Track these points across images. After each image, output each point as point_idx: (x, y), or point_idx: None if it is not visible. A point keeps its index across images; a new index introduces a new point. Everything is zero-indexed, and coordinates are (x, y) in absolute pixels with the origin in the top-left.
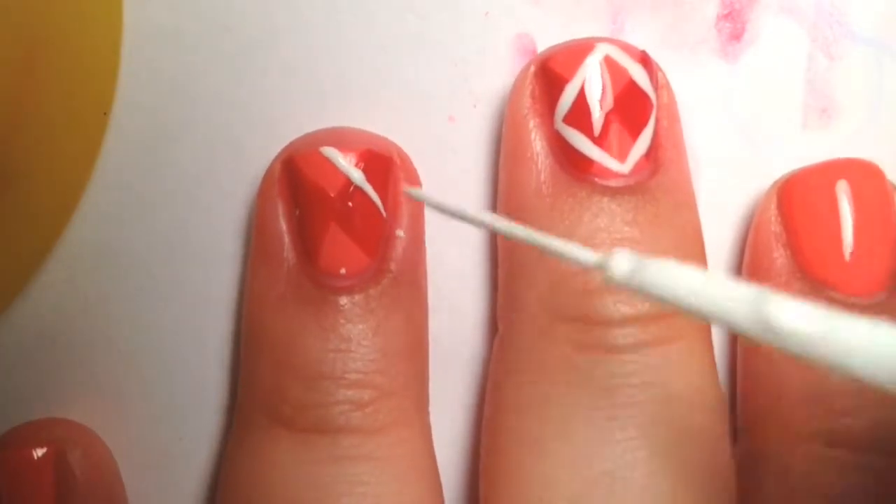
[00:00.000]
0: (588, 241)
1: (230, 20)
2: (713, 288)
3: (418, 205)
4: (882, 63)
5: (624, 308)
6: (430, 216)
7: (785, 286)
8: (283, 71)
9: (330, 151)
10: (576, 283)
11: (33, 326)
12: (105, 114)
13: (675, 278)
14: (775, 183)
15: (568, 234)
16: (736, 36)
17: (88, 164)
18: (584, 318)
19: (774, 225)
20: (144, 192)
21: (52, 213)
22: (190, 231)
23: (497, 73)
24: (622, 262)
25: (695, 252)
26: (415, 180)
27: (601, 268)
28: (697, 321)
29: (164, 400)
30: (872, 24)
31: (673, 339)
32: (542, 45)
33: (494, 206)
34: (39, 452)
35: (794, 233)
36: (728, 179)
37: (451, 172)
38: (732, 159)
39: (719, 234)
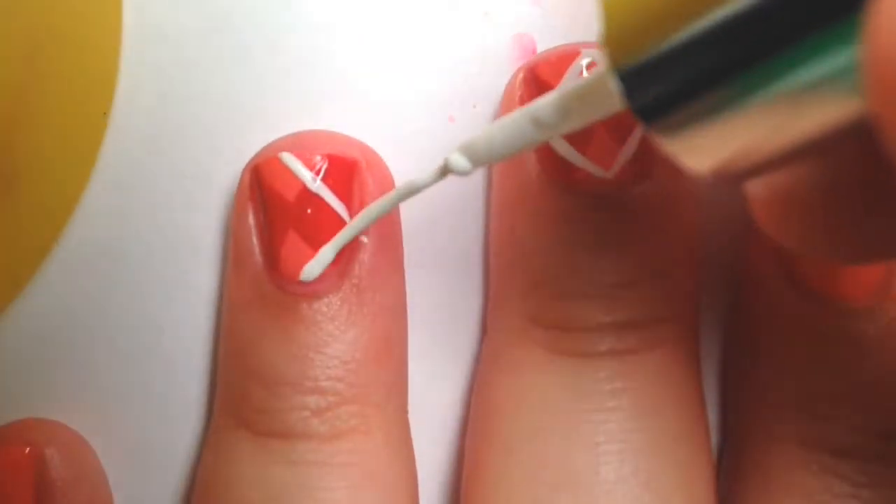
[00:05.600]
0: (567, 244)
1: (230, 20)
2: (507, 124)
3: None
4: None
5: (600, 315)
6: (423, 217)
7: (778, 294)
8: (283, 71)
9: (287, 157)
10: (554, 288)
11: (33, 326)
12: (105, 114)
13: (494, 138)
14: None
15: (548, 238)
16: None
17: (88, 164)
18: (561, 324)
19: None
20: (144, 192)
21: (52, 213)
22: (189, 231)
23: (497, 73)
24: (459, 160)
25: (683, 257)
26: (385, 182)
27: (448, 171)
28: (679, 328)
29: (163, 400)
30: None
31: (650, 347)
32: (542, 45)
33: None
34: (17, 453)
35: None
36: None
37: None
38: None
39: (720, 235)
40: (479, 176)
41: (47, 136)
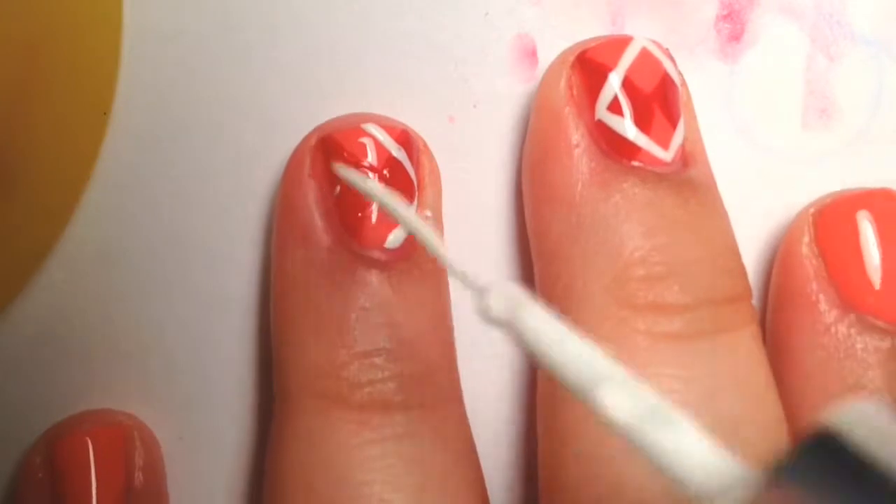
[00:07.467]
0: (645, 225)
1: (230, 20)
2: (568, 349)
3: (438, 187)
4: (882, 63)
5: (687, 296)
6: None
7: (824, 317)
8: (283, 71)
9: (373, 128)
10: (645, 270)
11: (33, 326)
12: (105, 114)
13: (542, 327)
14: (806, 211)
15: (624, 220)
16: (736, 36)
17: (88, 164)
18: (654, 306)
19: (810, 257)
20: (144, 192)
21: (52, 213)
22: (190, 230)
23: (497, 73)
24: (499, 298)
25: (732, 238)
26: (433, 163)
27: (481, 294)
28: (752, 308)
29: (164, 399)
30: (872, 24)
31: (740, 324)
32: (542, 46)
33: (493, 205)
34: (113, 434)
35: (833, 264)
36: (728, 180)
37: (451, 172)
38: (732, 159)
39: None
40: (485, 174)
41: (47, 136)
